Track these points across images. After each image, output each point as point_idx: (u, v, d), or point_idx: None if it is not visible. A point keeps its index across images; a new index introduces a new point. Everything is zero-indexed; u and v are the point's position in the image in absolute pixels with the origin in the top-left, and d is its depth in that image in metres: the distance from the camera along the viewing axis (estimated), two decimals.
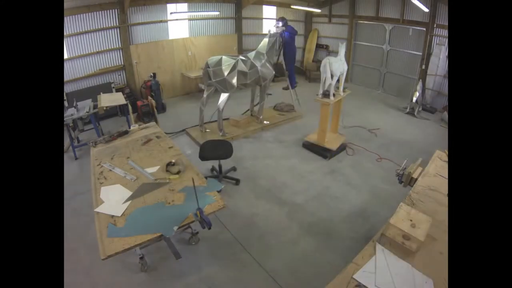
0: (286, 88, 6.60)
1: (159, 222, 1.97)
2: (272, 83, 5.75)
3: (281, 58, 5.95)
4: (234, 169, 4.16)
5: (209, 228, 1.96)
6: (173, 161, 2.57)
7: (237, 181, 3.86)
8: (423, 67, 6.68)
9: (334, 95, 4.34)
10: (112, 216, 2.02)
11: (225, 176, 3.92)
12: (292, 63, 6.33)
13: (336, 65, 4.26)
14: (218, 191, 2.31)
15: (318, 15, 9.06)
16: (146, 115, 5.42)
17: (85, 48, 5.75)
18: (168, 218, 2.00)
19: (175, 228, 1.92)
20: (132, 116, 4.99)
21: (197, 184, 2.22)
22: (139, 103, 5.60)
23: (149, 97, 5.72)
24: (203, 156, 3.49)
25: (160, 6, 6.50)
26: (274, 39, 5.08)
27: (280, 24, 5.52)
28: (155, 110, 5.32)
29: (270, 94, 6.13)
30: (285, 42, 5.64)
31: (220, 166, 3.83)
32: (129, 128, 3.50)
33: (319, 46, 9.29)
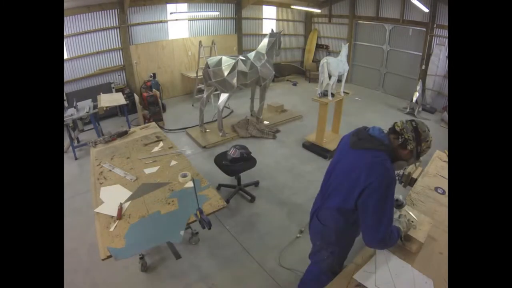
0: None
1: (163, 230, 1.94)
2: (272, 83, 5.73)
3: None
4: (256, 184, 3.77)
5: (209, 228, 1.96)
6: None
7: (252, 198, 3.48)
8: (423, 67, 6.68)
9: (333, 95, 4.34)
10: (112, 217, 2.01)
11: (242, 189, 3.53)
12: None
13: (334, 65, 4.25)
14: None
15: (318, 15, 9.05)
16: (151, 105, 5.54)
17: (85, 48, 5.75)
18: (170, 224, 1.97)
19: (182, 232, 1.90)
20: (139, 107, 5.32)
21: (189, 185, 2.24)
22: (144, 94, 5.81)
23: (154, 89, 5.93)
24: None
25: (160, 6, 6.49)
26: (274, 39, 5.09)
27: None
28: (159, 100, 5.56)
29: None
30: None
31: (239, 176, 3.49)
32: (129, 128, 3.50)
33: (319, 46, 9.28)
